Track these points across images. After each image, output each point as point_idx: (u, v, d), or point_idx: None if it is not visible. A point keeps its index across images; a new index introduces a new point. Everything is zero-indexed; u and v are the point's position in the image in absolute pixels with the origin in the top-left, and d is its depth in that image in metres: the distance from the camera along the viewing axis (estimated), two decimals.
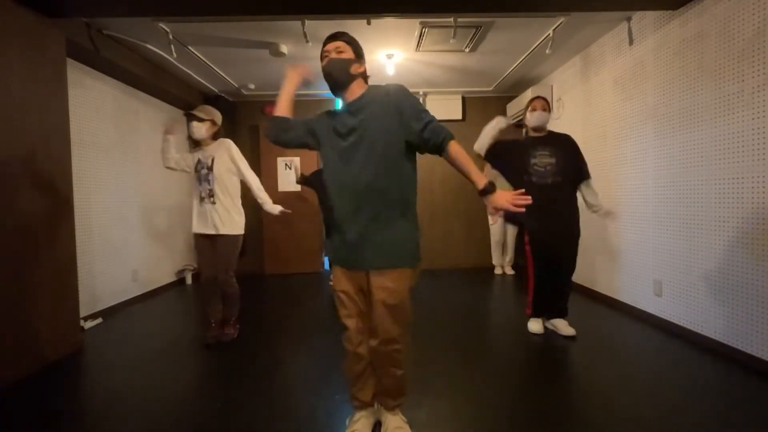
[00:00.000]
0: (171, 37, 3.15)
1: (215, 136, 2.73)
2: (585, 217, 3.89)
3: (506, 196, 1.34)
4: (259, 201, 2.75)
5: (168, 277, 4.51)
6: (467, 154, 1.42)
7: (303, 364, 2.36)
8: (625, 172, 3.19)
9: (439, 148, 1.42)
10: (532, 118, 2.64)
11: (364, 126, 1.43)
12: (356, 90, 1.50)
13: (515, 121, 4.52)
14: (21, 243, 2.27)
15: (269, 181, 5.16)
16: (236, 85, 4.60)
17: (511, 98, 5.12)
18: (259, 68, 4.05)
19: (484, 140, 2.62)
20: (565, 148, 2.63)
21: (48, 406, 1.94)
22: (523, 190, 1.36)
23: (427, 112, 1.44)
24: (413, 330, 2.94)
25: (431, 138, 1.40)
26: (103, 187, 3.51)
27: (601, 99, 3.52)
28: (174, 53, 3.37)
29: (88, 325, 3.10)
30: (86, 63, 3.27)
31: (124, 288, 3.75)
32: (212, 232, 2.64)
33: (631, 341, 2.61)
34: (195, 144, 2.77)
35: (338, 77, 1.48)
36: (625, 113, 3.18)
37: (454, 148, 1.41)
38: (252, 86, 4.68)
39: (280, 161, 5.20)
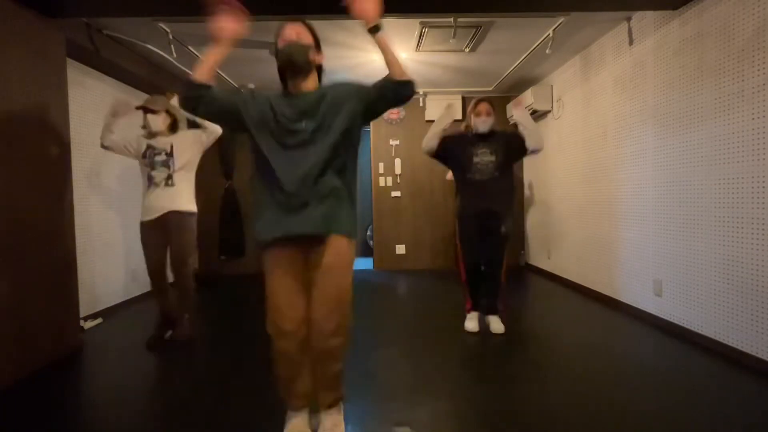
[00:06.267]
0: (171, 37, 3.15)
1: (173, 127, 2.71)
2: (583, 216, 3.89)
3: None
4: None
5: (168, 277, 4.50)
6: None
7: None
8: (625, 172, 3.18)
9: (389, 81, 1.44)
10: (478, 124, 2.71)
11: (323, 118, 1.43)
12: (311, 82, 1.49)
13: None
14: (21, 243, 2.27)
15: None
16: (236, 85, 4.60)
17: (511, 98, 5.11)
18: (259, 68, 4.04)
19: (432, 142, 2.71)
20: (505, 142, 2.72)
21: (48, 405, 1.93)
22: None
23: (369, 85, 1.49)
24: (412, 330, 2.95)
25: (383, 84, 1.45)
26: (103, 187, 3.51)
27: (601, 99, 3.51)
28: (174, 53, 3.37)
29: (88, 325, 3.10)
30: (86, 63, 3.27)
31: (124, 288, 3.75)
32: (167, 210, 2.60)
33: (631, 341, 2.61)
34: (148, 133, 2.69)
35: (298, 61, 1.42)
36: (625, 113, 3.18)
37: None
38: (252, 86, 4.67)
39: None
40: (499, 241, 2.72)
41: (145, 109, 2.64)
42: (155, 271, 2.69)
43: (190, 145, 2.70)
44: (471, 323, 2.82)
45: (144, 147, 2.66)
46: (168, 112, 2.69)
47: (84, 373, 2.36)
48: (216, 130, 2.73)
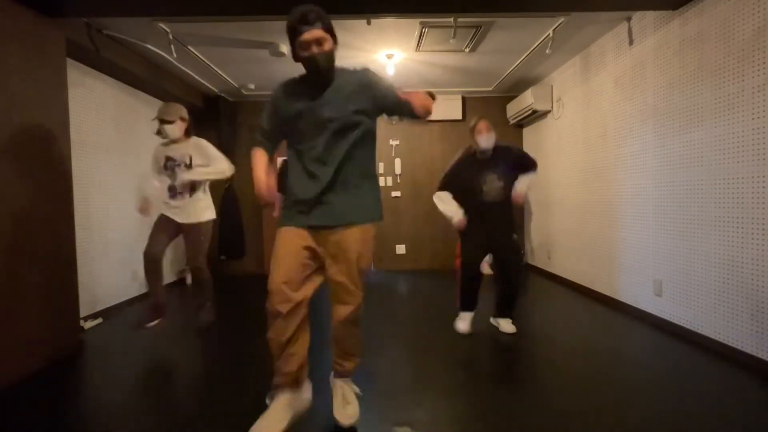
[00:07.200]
0: (171, 37, 3.15)
1: (187, 132, 2.80)
2: (583, 216, 3.89)
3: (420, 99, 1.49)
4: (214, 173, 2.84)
5: (168, 277, 4.51)
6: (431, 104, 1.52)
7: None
8: (625, 172, 3.18)
9: (411, 116, 1.56)
10: (480, 141, 2.69)
11: (338, 108, 1.51)
12: (332, 73, 1.55)
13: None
14: (21, 243, 2.27)
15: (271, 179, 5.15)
16: (236, 85, 4.60)
17: (511, 98, 5.12)
18: (259, 68, 4.05)
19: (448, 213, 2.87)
20: (510, 162, 2.73)
21: (48, 406, 1.93)
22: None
23: (395, 89, 1.55)
24: (412, 330, 2.95)
25: (405, 110, 1.55)
26: (103, 187, 3.51)
27: (601, 99, 3.52)
28: (174, 53, 3.37)
29: (88, 325, 3.10)
30: (86, 63, 3.27)
31: (124, 288, 3.76)
32: (192, 222, 2.76)
33: (631, 341, 2.61)
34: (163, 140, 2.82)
35: (328, 72, 1.51)
36: (625, 113, 3.18)
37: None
38: (252, 86, 4.68)
39: (281, 161, 5.19)
40: (512, 254, 2.76)
41: (161, 121, 2.71)
42: (151, 254, 2.74)
43: (201, 155, 2.79)
44: (462, 324, 2.77)
45: (163, 159, 2.75)
46: (182, 118, 2.76)
47: (84, 373, 2.36)
48: (223, 172, 2.81)
